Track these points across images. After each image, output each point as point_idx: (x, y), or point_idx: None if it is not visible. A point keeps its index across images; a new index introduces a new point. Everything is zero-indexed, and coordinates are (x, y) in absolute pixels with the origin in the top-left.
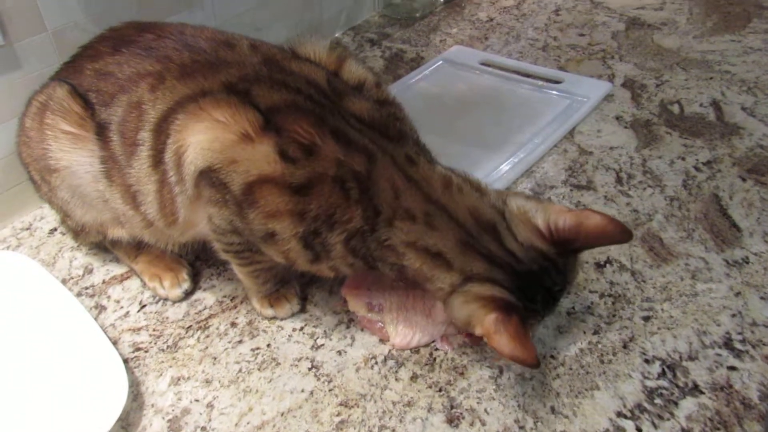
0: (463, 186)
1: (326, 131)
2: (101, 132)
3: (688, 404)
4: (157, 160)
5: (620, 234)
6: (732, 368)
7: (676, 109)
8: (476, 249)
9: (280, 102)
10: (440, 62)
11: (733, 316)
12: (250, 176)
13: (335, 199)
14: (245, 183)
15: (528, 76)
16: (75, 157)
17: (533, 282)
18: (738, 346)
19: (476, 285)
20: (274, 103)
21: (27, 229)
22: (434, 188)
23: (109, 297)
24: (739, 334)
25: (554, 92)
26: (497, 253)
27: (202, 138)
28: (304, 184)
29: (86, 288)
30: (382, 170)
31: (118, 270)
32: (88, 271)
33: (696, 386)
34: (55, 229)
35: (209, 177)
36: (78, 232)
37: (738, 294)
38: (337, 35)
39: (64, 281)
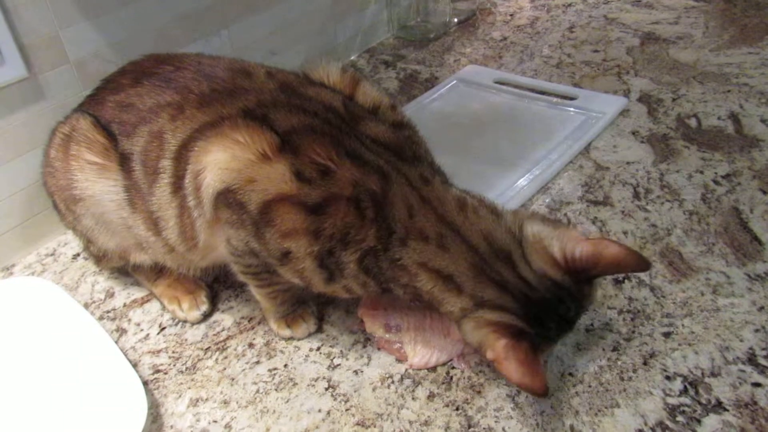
0: (479, 208)
1: (342, 153)
2: (124, 162)
3: (711, 422)
4: (177, 186)
5: (637, 264)
6: (756, 384)
7: (693, 122)
8: (488, 275)
9: (298, 125)
10: (454, 82)
11: (757, 331)
12: (268, 195)
13: (350, 218)
14: (263, 202)
15: (543, 93)
16: (100, 187)
17: (547, 309)
18: (762, 362)
19: (487, 311)
20: (291, 126)
21: (51, 254)
22: (448, 209)
23: (129, 320)
24: (764, 349)
25: (569, 109)
26: (510, 280)
27: (221, 157)
28: (320, 204)
29: (108, 312)
30: (396, 190)
31: (138, 293)
32: (110, 295)
33: (719, 403)
34: (78, 255)
35: (226, 198)
36: (100, 258)
37: (761, 309)
38: (352, 57)
39: (86, 305)
